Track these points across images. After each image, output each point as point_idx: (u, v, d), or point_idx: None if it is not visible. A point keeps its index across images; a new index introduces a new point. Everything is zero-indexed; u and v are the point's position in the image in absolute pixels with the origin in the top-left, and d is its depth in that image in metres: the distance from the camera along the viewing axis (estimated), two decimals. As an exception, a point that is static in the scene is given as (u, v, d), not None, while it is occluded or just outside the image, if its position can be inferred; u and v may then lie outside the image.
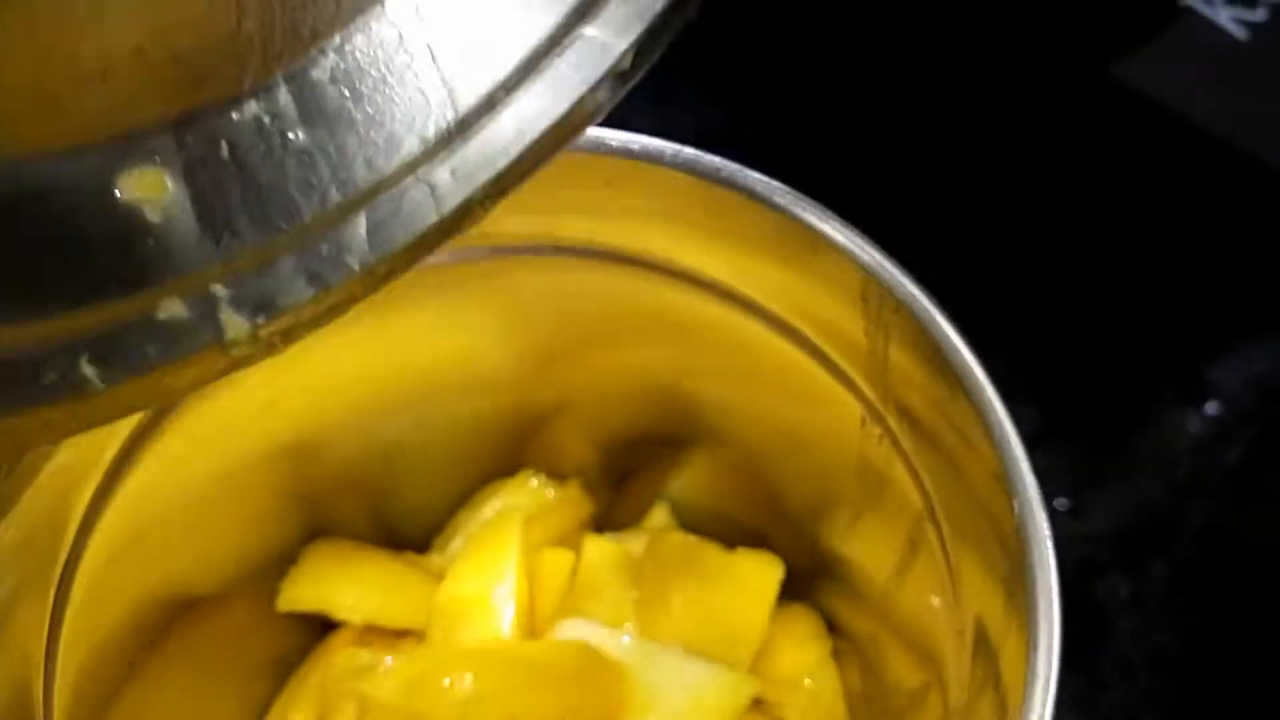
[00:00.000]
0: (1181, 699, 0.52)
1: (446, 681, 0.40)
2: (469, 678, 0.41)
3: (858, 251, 0.35)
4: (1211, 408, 0.58)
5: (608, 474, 0.53)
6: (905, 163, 0.53)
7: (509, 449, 0.52)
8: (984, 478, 0.34)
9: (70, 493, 0.37)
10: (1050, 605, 0.31)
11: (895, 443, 0.39)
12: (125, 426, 0.39)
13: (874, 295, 0.36)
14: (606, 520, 0.52)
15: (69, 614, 0.39)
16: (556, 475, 0.52)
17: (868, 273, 0.36)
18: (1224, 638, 0.54)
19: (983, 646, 0.36)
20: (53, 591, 0.38)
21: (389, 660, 0.43)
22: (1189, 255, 0.58)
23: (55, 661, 0.38)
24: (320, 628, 0.50)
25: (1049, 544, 0.31)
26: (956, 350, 0.34)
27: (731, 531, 0.49)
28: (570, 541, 0.49)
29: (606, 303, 0.44)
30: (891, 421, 0.38)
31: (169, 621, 0.44)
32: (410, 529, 0.51)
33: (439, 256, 0.42)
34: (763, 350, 0.43)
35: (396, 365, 0.47)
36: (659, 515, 0.51)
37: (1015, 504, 0.32)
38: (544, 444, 0.52)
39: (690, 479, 0.51)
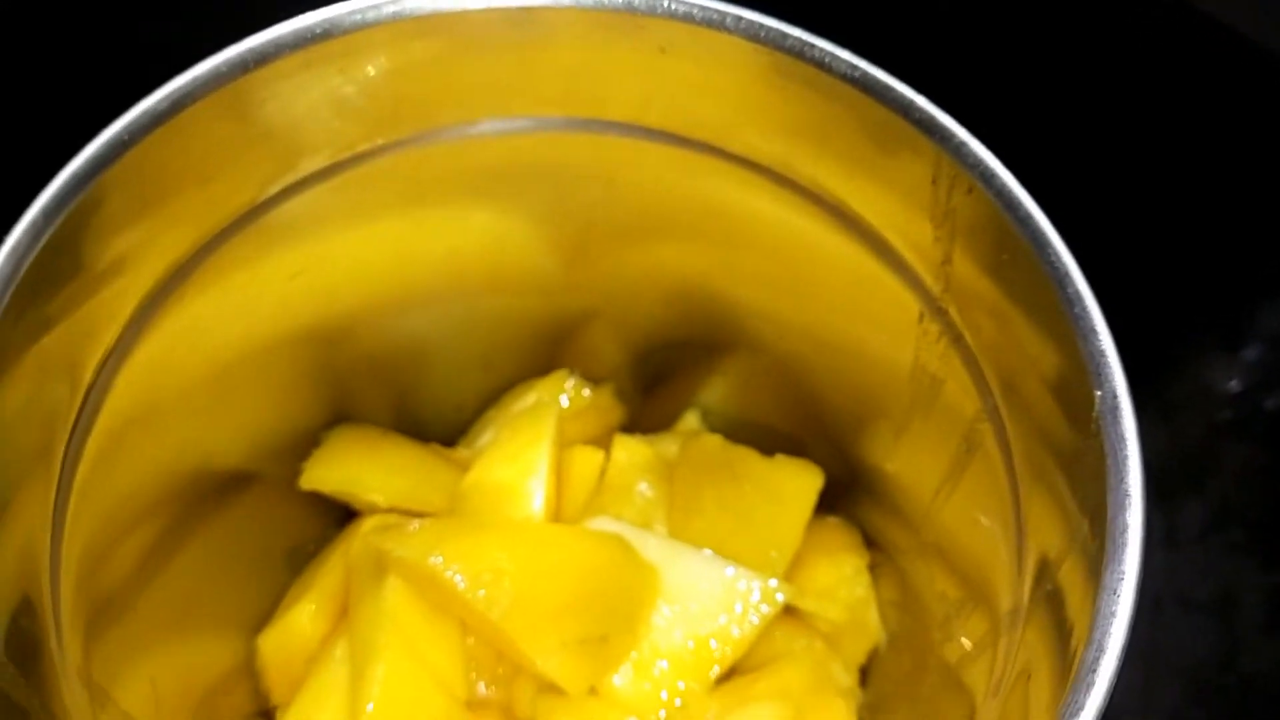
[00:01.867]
0: (1208, 638, 0.51)
1: (470, 546, 0.39)
2: (493, 545, 0.39)
3: (937, 122, 0.33)
4: (1252, 352, 0.57)
5: (640, 381, 0.51)
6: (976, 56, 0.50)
7: (541, 351, 0.50)
8: (1062, 368, 0.32)
9: (83, 345, 0.36)
10: (1134, 503, 0.29)
11: (956, 338, 0.37)
12: (145, 282, 0.37)
13: (946, 175, 0.34)
14: (635, 427, 0.50)
15: (79, 478, 0.37)
16: (590, 379, 0.50)
17: (943, 148, 0.34)
18: (1255, 581, 0.52)
19: (1041, 558, 0.34)
20: (60, 455, 0.36)
21: (415, 524, 0.41)
22: (1238, 196, 0.56)
23: (63, 531, 0.36)
24: (337, 521, 0.48)
25: (1134, 436, 0.29)
26: (1041, 231, 0.32)
27: (766, 441, 0.47)
28: (600, 444, 0.48)
29: (650, 191, 0.43)
30: (954, 314, 0.36)
31: (185, 505, 0.42)
32: (436, 425, 0.50)
33: (482, 129, 0.41)
34: (814, 244, 0.41)
35: (430, 256, 0.45)
36: (690, 421, 0.50)
37: (1099, 395, 0.31)
38: (577, 348, 0.50)
39: (725, 387, 0.50)
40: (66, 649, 0.34)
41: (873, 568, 0.45)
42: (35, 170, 0.33)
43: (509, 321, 0.49)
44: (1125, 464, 0.29)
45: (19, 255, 0.31)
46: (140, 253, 0.35)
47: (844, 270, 0.41)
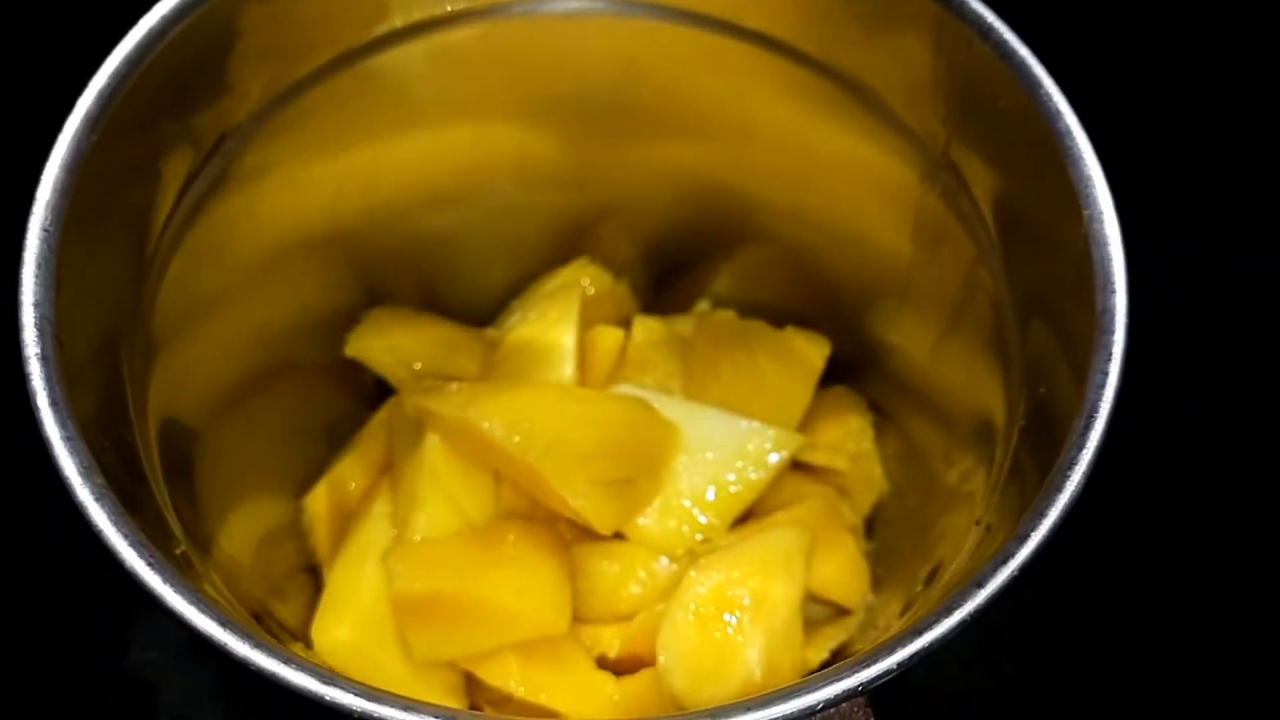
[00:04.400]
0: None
1: (506, 402, 0.42)
2: (526, 401, 0.43)
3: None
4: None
5: (653, 273, 0.55)
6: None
7: (562, 244, 0.53)
8: (1055, 198, 0.35)
9: (151, 207, 0.38)
10: (1114, 317, 0.33)
11: (957, 191, 0.40)
12: (206, 143, 0.40)
13: (948, 33, 0.38)
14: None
15: (155, 343, 0.40)
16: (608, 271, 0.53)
17: (943, 7, 0.37)
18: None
19: (1033, 371, 0.37)
20: (133, 320, 0.39)
21: (454, 386, 0.45)
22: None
23: (145, 390, 0.39)
24: (369, 402, 0.51)
25: (1118, 243, 0.33)
26: (1034, 74, 0.35)
27: (777, 323, 0.51)
28: (620, 327, 0.51)
29: (667, 77, 0.46)
30: (956, 165, 0.40)
31: (240, 381, 0.45)
32: (466, 312, 0.53)
33: (514, 11, 0.44)
34: (822, 129, 0.44)
35: (459, 151, 0.48)
36: (703, 308, 0.53)
37: (1086, 215, 0.34)
38: (595, 241, 0.53)
39: (735, 276, 0.53)
40: (159, 486, 0.37)
41: (876, 428, 0.48)
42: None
43: (532, 216, 0.52)
44: (1110, 263, 0.33)
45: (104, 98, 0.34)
46: (205, 116, 0.39)
47: (849, 147, 0.44)
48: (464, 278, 0.53)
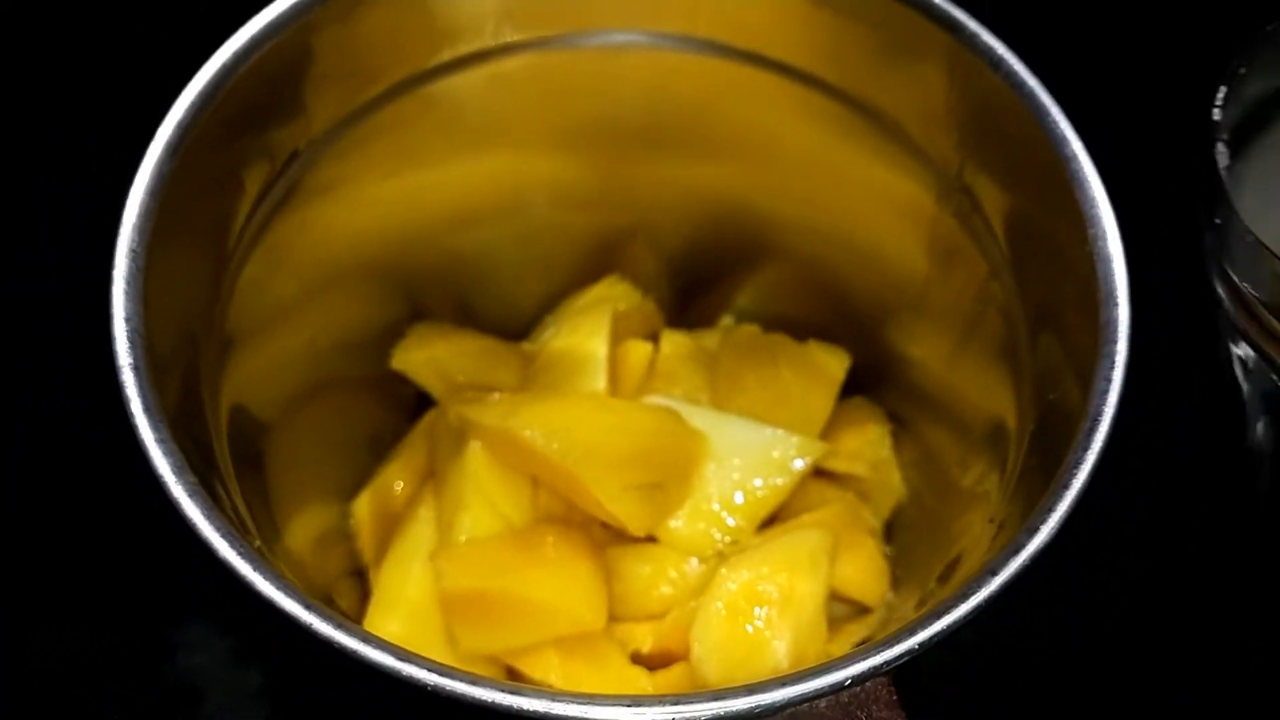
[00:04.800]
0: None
1: (544, 411, 0.45)
2: (563, 410, 0.45)
3: (951, 16, 0.40)
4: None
5: (678, 292, 0.57)
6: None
7: (593, 262, 0.56)
8: (1061, 219, 0.38)
9: (223, 229, 0.41)
10: (1117, 328, 0.36)
11: (970, 211, 0.43)
12: (270, 172, 0.43)
13: (960, 64, 0.41)
14: (676, 332, 0.56)
15: (225, 358, 0.42)
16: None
17: (956, 39, 0.40)
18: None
19: (1042, 380, 0.40)
20: (202, 339, 0.42)
21: (495, 396, 0.47)
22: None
23: (218, 398, 0.42)
24: (410, 415, 0.54)
25: (1121, 266, 0.36)
26: (1041, 103, 0.38)
27: (798, 337, 0.54)
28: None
29: (696, 104, 0.49)
30: (969, 187, 0.43)
31: (294, 395, 0.48)
32: (501, 328, 0.56)
33: (556, 44, 0.47)
34: (841, 151, 0.47)
35: (495, 172, 0.51)
36: (726, 323, 0.56)
37: (1092, 234, 0.37)
38: (623, 261, 0.56)
39: (757, 293, 0.56)
40: (232, 483, 0.39)
41: (894, 436, 0.51)
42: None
43: (565, 235, 0.55)
44: (1114, 277, 0.36)
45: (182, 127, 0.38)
46: (278, 136, 0.42)
47: (867, 165, 0.47)
48: (500, 294, 0.55)
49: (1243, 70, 0.40)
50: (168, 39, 0.48)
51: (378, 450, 0.54)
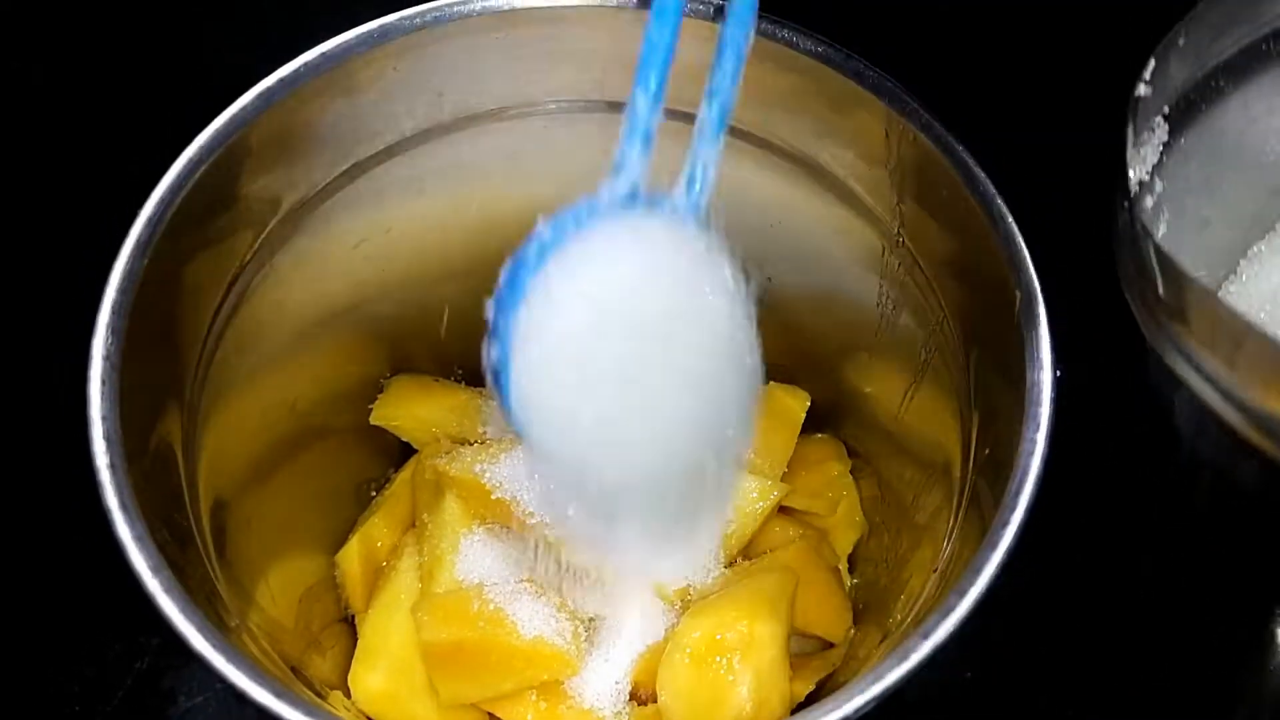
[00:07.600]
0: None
1: (515, 459, 0.47)
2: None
3: (886, 85, 0.41)
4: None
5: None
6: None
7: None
8: (990, 275, 0.40)
9: (204, 299, 0.44)
10: (1044, 365, 0.38)
11: (912, 265, 0.45)
12: (243, 249, 0.45)
13: (894, 129, 0.43)
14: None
15: (200, 420, 0.44)
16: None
17: (891, 107, 0.42)
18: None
19: (983, 426, 0.42)
20: (185, 397, 0.44)
21: (466, 451, 0.50)
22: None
23: (195, 458, 0.44)
24: (394, 463, 0.56)
25: (1044, 331, 0.38)
26: (969, 166, 0.40)
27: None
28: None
29: (655, 163, 0.50)
30: (908, 244, 0.45)
31: (275, 449, 0.50)
32: (478, 376, 0.57)
33: (513, 115, 0.49)
34: (792, 203, 0.49)
35: (465, 230, 0.53)
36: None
37: (1018, 294, 0.39)
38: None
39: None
40: (210, 559, 0.42)
41: (853, 471, 0.53)
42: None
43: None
44: (1038, 341, 0.38)
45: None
46: (243, 226, 0.44)
47: (818, 221, 0.49)
48: (475, 345, 0.57)
49: (1182, 41, 0.39)
50: (138, 128, 0.50)
51: (364, 498, 0.56)
